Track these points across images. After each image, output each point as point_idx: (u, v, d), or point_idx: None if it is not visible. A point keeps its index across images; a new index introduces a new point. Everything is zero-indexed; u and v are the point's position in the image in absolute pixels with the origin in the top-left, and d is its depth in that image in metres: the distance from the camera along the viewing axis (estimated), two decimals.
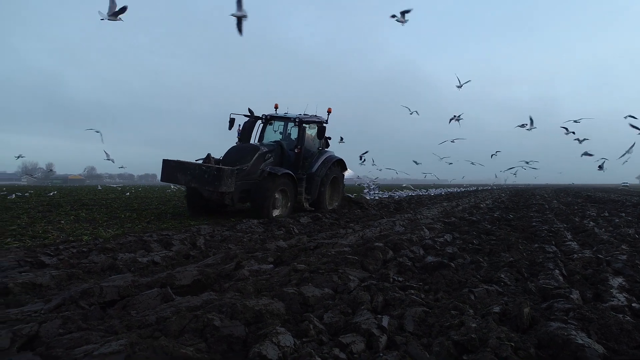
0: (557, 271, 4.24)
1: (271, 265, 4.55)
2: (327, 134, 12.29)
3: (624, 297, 3.41)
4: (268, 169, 10.13)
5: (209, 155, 9.97)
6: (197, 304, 2.96)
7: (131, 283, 3.51)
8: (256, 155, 10.23)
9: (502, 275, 4.04)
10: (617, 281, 3.90)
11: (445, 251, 5.26)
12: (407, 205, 15.04)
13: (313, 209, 11.48)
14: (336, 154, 12.44)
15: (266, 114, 12.02)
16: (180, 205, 13.68)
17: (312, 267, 4.07)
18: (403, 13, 10.82)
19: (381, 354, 2.32)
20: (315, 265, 4.18)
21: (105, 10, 7.70)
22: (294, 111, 12.24)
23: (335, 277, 3.70)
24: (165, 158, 9.72)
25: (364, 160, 19.02)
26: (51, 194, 19.77)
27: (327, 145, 12.75)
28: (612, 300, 3.33)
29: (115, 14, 7.66)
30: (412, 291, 3.47)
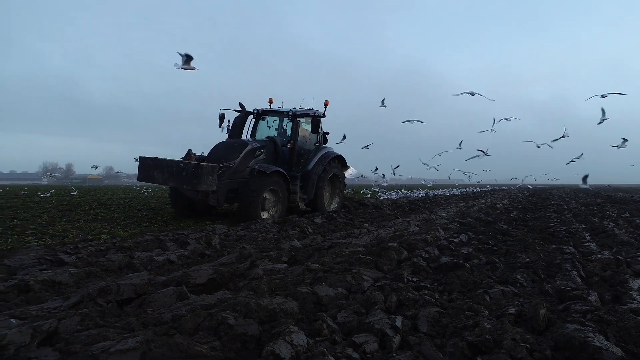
0: (574, 272, 4.17)
1: (285, 265, 4.57)
2: (326, 129, 11.51)
3: None
4: (257, 167, 9.34)
5: (189, 151, 9.18)
6: (212, 303, 2.99)
7: (147, 281, 3.56)
8: (244, 152, 9.48)
9: (518, 276, 3.99)
10: (637, 283, 3.82)
11: (460, 252, 5.22)
12: (422, 206, 14.94)
13: (309, 209, 10.66)
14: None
15: (258, 108, 11.25)
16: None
17: (325, 267, 4.08)
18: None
19: (394, 354, 2.31)
20: (329, 265, 4.19)
21: (179, 61, 9.04)
22: (290, 106, 11.34)
23: (349, 277, 3.70)
24: (143, 155, 9.04)
25: (397, 167, 18.53)
26: (73, 193, 20.16)
27: (326, 140, 11.86)
28: (632, 303, 3.27)
29: (187, 62, 8.91)
30: (426, 291, 3.45)
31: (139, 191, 24.88)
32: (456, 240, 6.10)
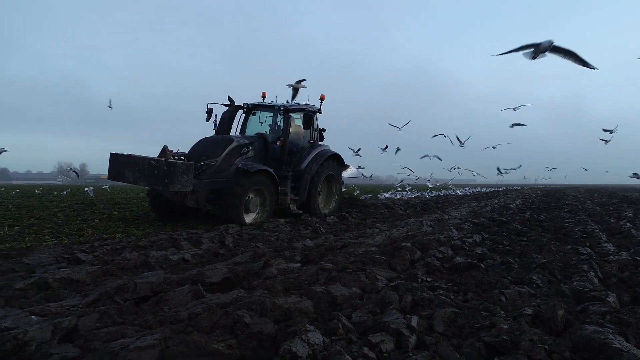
0: (592, 273, 4.12)
1: (299, 264, 4.58)
2: (331, 128, 11.05)
3: None
4: (239, 165, 8.55)
5: (164, 147, 8.20)
6: (227, 301, 3.00)
7: (163, 280, 3.59)
8: (229, 149, 8.69)
9: (534, 277, 3.95)
10: None
11: (474, 252, 5.18)
12: (435, 206, 14.85)
13: (301, 212, 9.85)
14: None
15: (249, 102, 10.42)
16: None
17: (339, 267, 4.08)
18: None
19: (411, 354, 2.31)
20: (342, 265, 4.19)
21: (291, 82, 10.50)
22: (284, 100, 10.58)
23: (362, 277, 3.70)
24: (114, 152, 8.22)
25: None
26: (89, 192, 20.41)
27: (322, 138, 11.01)
28: None
29: (299, 82, 10.14)
30: (441, 291, 3.43)
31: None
32: (470, 240, 6.06)
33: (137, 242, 5.57)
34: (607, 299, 3.23)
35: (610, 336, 2.39)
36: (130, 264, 4.40)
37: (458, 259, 4.73)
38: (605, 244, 5.97)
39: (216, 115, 10.11)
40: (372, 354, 2.26)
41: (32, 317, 2.71)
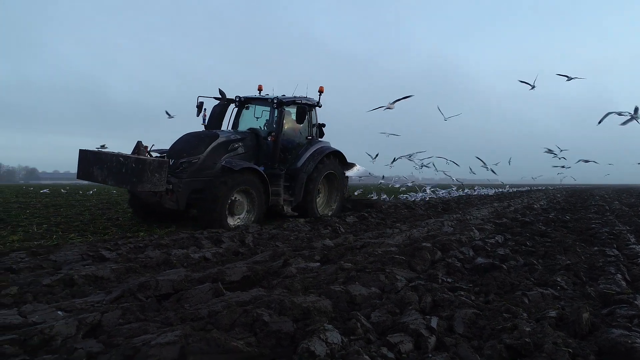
0: (619, 276, 4.00)
1: (318, 264, 4.59)
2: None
3: None
4: (223, 163, 7.85)
5: (138, 143, 7.46)
6: (247, 299, 3.03)
7: (184, 277, 3.65)
8: (213, 145, 8.02)
9: (559, 279, 3.86)
10: None
11: (496, 253, 5.10)
12: (456, 206, 14.67)
13: (296, 214, 9.13)
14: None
15: (241, 95, 9.71)
16: None
17: (358, 266, 4.07)
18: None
19: (430, 355, 2.28)
20: (361, 264, 4.18)
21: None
22: (286, 93, 9.80)
23: (382, 277, 3.68)
24: (83, 148, 7.66)
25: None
26: (114, 192, 20.89)
27: (322, 134, 10.30)
28: None
29: (393, 102, 10.14)
30: (462, 292, 3.39)
31: None
32: (492, 241, 5.96)
33: (159, 241, 5.67)
34: (636, 302, 3.14)
35: (638, 340, 2.31)
36: (152, 262, 4.48)
37: (479, 259, 4.66)
38: (633, 246, 5.79)
39: (205, 110, 9.42)
40: (390, 355, 2.24)
41: (59, 312, 2.78)
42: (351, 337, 2.42)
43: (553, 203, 17.49)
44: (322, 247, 5.57)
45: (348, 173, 10.80)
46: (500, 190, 32.82)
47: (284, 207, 8.91)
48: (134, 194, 8.35)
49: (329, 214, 9.89)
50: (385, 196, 17.61)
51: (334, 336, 2.31)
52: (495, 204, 16.01)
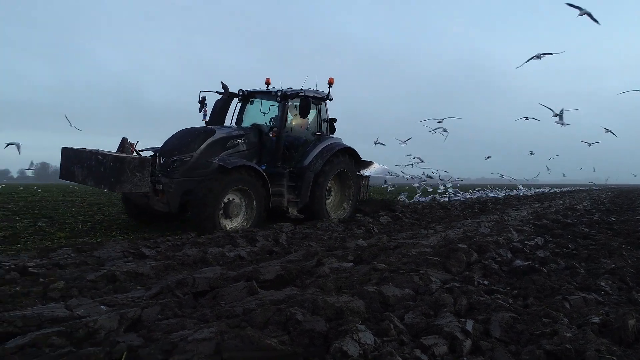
0: None
1: (351, 264, 4.59)
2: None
3: None
4: (216, 161, 7.23)
5: (123, 140, 6.90)
6: (280, 298, 3.07)
7: (220, 275, 3.73)
8: (208, 142, 7.42)
9: (602, 283, 3.70)
10: None
11: (535, 255, 4.94)
12: (493, 206, 14.30)
13: (302, 216, 8.35)
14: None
15: (244, 89, 9.03)
16: None
17: (392, 267, 4.04)
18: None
19: (465, 359, 2.25)
20: (395, 265, 4.15)
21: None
22: (296, 87, 8.97)
23: (416, 278, 3.64)
24: (65, 146, 7.10)
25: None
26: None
27: (333, 129, 9.55)
28: None
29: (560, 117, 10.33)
30: (499, 295, 3.31)
31: None
32: (531, 243, 5.78)
33: (196, 239, 5.81)
34: None
35: None
36: (189, 260, 4.61)
37: (518, 262, 4.53)
38: None
39: (206, 105, 8.86)
40: (424, 357, 2.22)
41: (102, 307, 2.91)
42: (384, 338, 2.41)
43: (597, 204, 16.77)
44: (356, 247, 5.56)
45: (366, 172, 10.20)
46: (540, 190, 31.73)
47: (289, 208, 8.23)
48: (128, 198, 7.85)
49: (341, 217, 9.12)
50: (403, 197, 16.75)
51: (367, 337, 2.30)
52: (535, 205, 15.51)
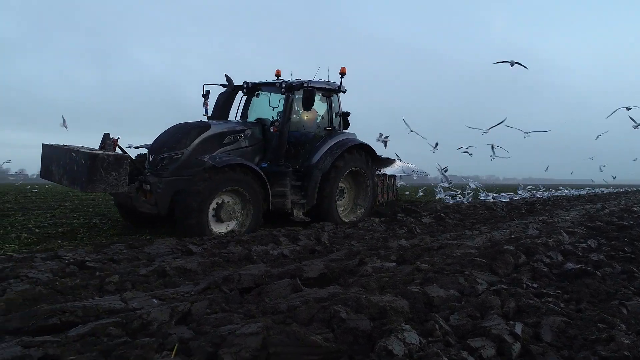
0: None
1: (394, 264, 4.56)
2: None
3: None
4: (206, 158, 6.53)
5: (105, 136, 6.32)
6: (324, 296, 3.10)
7: (264, 273, 3.81)
8: (202, 138, 6.88)
9: None
10: None
11: (588, 258, 4.71)
12: (542, 207, 13.75)
13: (308, 219, 7.69)
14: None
15: (249, 81, 8.42)
16: None
17: (436, 268, 3.98)
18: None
19: None
20: (439, 266, 4.08)
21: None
22: (306, 77, 8.30)
23: (461, 279, 3.57)
24: (46, 143, 6.63)
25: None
26: None
27: (347, 124, 8.80)
28: None
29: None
30: (549, 299, 3.19)
31: None
32: (583, 245, 5.53)
33: (240, 237, 5.95)
34: None
35: None
36: (234, 257, 4.72)
37: (569, 265, 4.35)
38: None
39: (208, 99, 8.31)
40: (471, 359, 2.18)
41: (154, 300, 3.04)
42: (429, 339, 2.38)
43: None
44: (398, 247, 5.51)
45: (386, 170, 9.59)
46: (592, 191, 30.19)
47: (294, 210, 7.59)
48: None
49: (354, 220, 8.44)
50: (446, 196, 15.77)
51: (412, 336, 2.29)
52: (587, 206, 14.79)
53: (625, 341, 2.27)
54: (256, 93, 8.65)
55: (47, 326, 2.56)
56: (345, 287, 3.51)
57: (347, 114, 8.88)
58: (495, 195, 17.90)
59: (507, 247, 4.85)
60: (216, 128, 7.19)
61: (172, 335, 2.31)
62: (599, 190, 31.41)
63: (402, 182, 18.85)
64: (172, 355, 2.10)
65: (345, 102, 8.85)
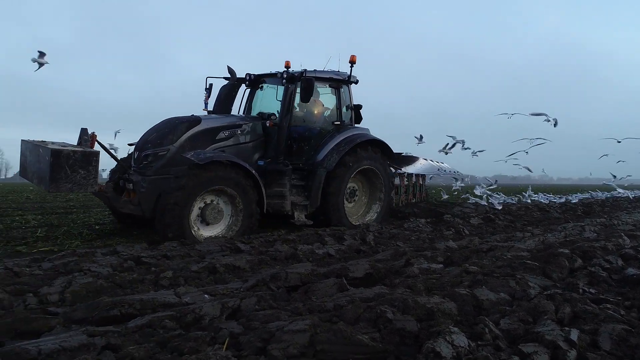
0: None
1: (441, 265, 4.48)
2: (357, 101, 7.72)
3: None
4: (189, 155, 6.04)
5: (82, 131, 5.79)
6: (370, 296, 3.10)
7: (311, 271, 3.86)
8: (190, 133, 6.40)
9: None
10: None
11: None
12: (600, 209, 13.03)
13: (310, 222, 7.14)
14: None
15: (252, 73, 7.93)
16: None
17: (485, 270, 3.88)
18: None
19: None
20: (488, 268, 3.97)
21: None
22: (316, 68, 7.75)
23: (512, 282, 3.46)
24: (24, 138, 6.21)
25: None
26: None
27: (359, 118, 8.16)
28: None
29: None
30: (608, 305, 3.03)
31: None
32: None
33: (286, 236, 6.05)
34: None
35: None
36: (281, 255, 4.82)
37: (631, 270, 4.10)
38: None
39: (209, 92, 7.96)
40: None
41: (205, 295, 3.16)
42: (478, 342, 2.34)
43: None
44: (445, 249, 5.41)
45: (408, 169, 8.95)
46: None
47: (295, 212, 7.08)
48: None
49: (369, 223, 7.73)
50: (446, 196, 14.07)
51: (461, 339, 2.25)
52: None
53: None
54: (261, 85, 8.17)
55: (108, 317, 2.73)
56: (391, 287, 3.49)
57: (359, 106, 8.24)
58: (489, 195, 15.20)
59: (561, 250, 4.65)
60: (207, 123, 6.73)
61: (223, 329, 2.39)
62: None
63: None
64: (224, 348, 2.18)
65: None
